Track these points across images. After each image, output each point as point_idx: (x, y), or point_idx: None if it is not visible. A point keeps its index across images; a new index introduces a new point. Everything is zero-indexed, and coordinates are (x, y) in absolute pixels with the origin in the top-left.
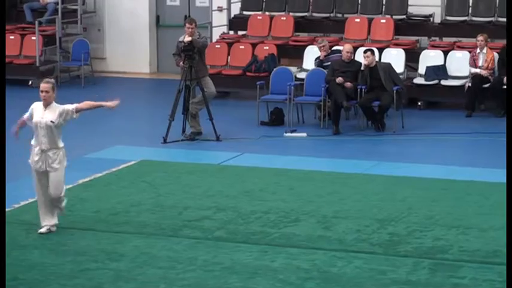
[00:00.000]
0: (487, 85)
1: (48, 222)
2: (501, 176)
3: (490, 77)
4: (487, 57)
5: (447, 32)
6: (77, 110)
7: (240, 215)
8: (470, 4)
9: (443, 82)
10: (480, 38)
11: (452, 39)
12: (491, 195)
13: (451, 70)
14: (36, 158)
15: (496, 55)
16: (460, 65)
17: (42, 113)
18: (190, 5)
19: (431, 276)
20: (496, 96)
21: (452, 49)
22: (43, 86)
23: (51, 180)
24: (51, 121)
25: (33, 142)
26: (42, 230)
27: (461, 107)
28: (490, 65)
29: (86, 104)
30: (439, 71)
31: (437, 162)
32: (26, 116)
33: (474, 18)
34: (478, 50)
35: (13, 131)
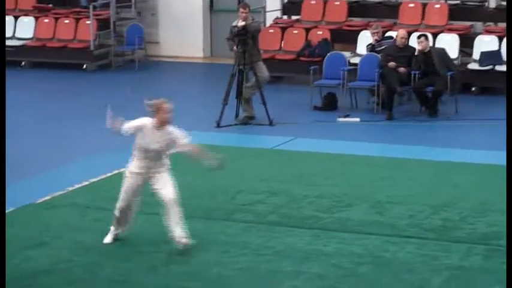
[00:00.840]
0: None
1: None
2: None
3: None
4: None
5: (502, 17)
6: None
7: (293, 200)
8: None
9: (498, 68)
10: None
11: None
12: None
13: (506, 55)
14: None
15: None
16: None
17: (157, 136)
18: None
19: (485, 262)
20: None
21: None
22: (169, 107)
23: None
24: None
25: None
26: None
27: None
28: None
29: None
30: (493, 57)
31: (491, 148)
32: (123, 126)
33: None
34: None
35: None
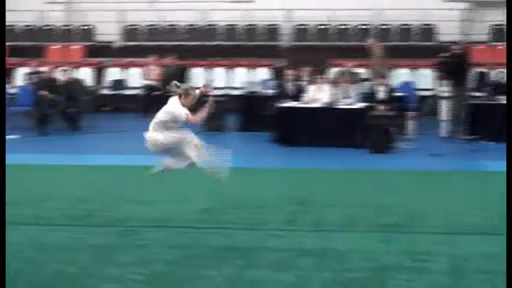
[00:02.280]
0: (157, 93)
1: None
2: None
3: (159, 87)
4: (157, 72)
5: (125, 54)
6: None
7: None
8: (142, 32)
9: (124, 92)
10: (152, 57)
11: (130, 59)
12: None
13: (130, 82)
14: None
15: (162, 70)
16: (136, 78)
17: None
18: None
19: (120, 240)
20: (165, 101)
21: (130, 67)
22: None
23: None
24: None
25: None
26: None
27: (138, 110)
28: (158, 78)
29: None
30: (120, 84)
31: (121, 152)
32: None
33: (145, 43)
34: (150, 67)
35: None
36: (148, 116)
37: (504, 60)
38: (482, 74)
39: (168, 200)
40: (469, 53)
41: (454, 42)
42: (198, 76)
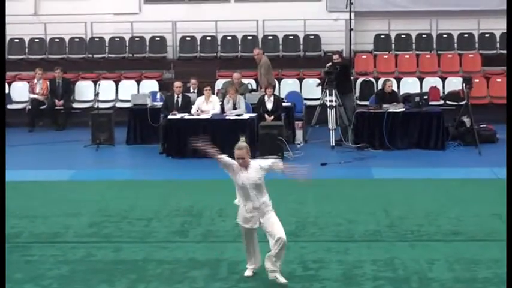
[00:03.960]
0: (43, 107)
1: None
2: (70, 175)
3: (45, 101)
4: (43, 85)
5: (10, 67)
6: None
7: None
8: (26, 45)
9: (9, 106)
10: (38, 71)
11: (14, 73)
12: (74, 192)
13: (15, 97)
14: (248, 215)
15: (48, 84)
16: (21, 92)
17: (245, 174)
18: None
19: (9, 256)
20: (51, 115)
21: (14, 81)
22: (238, 153)
23: (275, 224)
24: (259, 179)
25: (238, 202)
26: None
27: (25, 125)
28: (45, 92)
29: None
30: (5, 98)
31: (8, 167)
32: (223, 157)
33: (31, 56)
34: (36, 81)
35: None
36: (33, 130)
37: (388, 69)
38: (367, 82)
39: (55, 215)
40: (353, 62)
41: (338, 52)
42: (85, 89)
